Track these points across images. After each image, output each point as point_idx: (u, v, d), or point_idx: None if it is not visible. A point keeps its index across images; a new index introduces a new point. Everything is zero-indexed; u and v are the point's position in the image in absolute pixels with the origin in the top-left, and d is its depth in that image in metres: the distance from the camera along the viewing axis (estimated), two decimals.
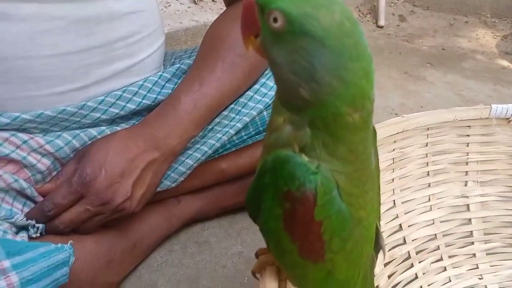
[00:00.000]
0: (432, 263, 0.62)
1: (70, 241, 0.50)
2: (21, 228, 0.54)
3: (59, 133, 0.60)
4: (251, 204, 0.32)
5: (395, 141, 0.58)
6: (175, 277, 0.68)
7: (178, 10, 1.34)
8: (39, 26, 0.54)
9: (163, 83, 0.69)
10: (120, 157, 0.56)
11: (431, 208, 0.63)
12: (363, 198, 0.31)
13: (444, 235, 0.63)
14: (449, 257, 0.64)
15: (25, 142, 0.56)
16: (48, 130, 0.59)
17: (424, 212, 0.63)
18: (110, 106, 0.63)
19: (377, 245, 0.36)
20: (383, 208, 0.60)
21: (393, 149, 0.59)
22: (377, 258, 0.37)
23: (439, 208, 0.63)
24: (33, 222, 0.54)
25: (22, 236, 0.52)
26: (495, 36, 1.82)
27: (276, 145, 0.30)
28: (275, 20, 0.27)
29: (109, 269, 0.61)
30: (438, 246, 0.63)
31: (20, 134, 0.56)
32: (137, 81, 0.66)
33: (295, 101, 0.28)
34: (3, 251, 0.44)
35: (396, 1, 2.06)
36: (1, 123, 0.55)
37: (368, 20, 1.89)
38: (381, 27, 1.83)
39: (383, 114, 1.18)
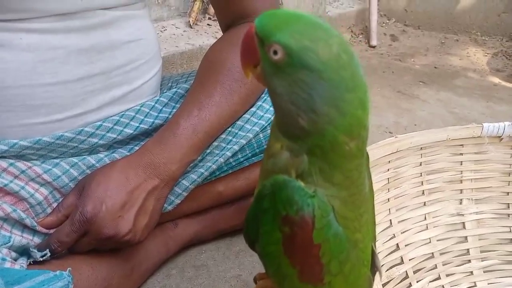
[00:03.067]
0: (430, 282, 0.63)
1: (68, 268, 0.50)
2: (20, 254, 0.54)
3: (57, 161, 0.60)
4: (250, 229, 0.32)
5: (389, 161, 0.59)
6: None
7: (174, 34, 1.37)
8: (41, 55, 0.55)
9: (160, 108, 0.70)
10: (120, 190, 0.56)
11: (427, 227, 0.64)
12: (359, 221, 0.32)
13: (441, 254, 0.64)
14: (447, 275, 0.64)
15: (23, 172, 0.57)
16: (46, 156, 0.60)
17: (420, 231, 0.63)
18: (107, 132, 0.63)
19: (373, 267, 0.36)
20: (380, 228, 0.60)
21: (388, 169, 0.60)
22: (374, 280, 0.37)
23: (435, 226, 0.64)
24: (33, 243, 0.55)
25: (21, 263, 0.52)
26: (486, 54, 1.85)
27: (274, 170, 0.31)
28: (275, 52, 0.28)
29: None
30: (436, 265, 0.63)
31: (18, 164, 0.57)
32: (134, 106, 0.67)
33: (294, 129, 0.30)
34: (2, 281, 0.44)
35: (388, 21, 2.11)
36: None
37: (360, 41, 1.92)
38: (374, 47, 1.87)
39: (377, 133, 1.19)
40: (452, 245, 0.64)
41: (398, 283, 0.60)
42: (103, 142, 0.64)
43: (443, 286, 0.63)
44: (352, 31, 1.95)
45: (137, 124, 0.66)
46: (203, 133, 0.63)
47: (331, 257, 0.30)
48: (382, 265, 0.59)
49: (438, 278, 0.63)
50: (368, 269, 0.35)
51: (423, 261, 0.63)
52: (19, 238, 0.54)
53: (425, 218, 0.64)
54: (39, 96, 0.56)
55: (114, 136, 0.64)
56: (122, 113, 0.65)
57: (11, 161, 0.56)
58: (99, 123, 0.62)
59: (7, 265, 0.48)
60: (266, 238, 0.31)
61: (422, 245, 0.63)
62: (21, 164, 0.57)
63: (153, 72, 0.70)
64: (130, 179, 0.58)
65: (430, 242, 0.64)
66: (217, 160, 0.68)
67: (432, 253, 0.63)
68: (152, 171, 0.59)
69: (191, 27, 1.43)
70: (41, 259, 0.54)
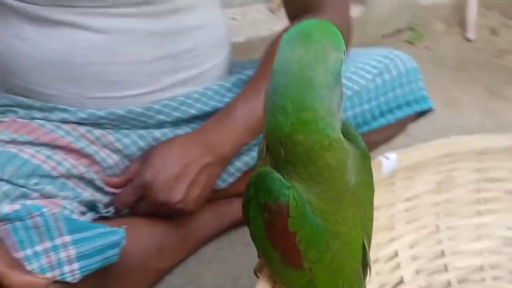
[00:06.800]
0: None
1: (124, 226, 0.57)
2: (90, 209, 0.62)
3: (127, 131, 0.68)
4: (244, 213, 0.35)
5: (441, 164, 0.57)
6: (219, 272, 0.73)
7: (255, 19, 1.40)
8: (117, 36, 0.62)
9: (224, 92, 0.74)
10: (176, 163, 0.62)
11: (479, 238, 0.60)
12: (340, 214, 0.33)
13: (491, 268, 0.60)
14: None
15: (98, 138, 0.65)
16: (118, 127, 0.68)
17: (471, 241, 0.60)
18: (174, 111, 0.69)
19: (364, 261, 0.37)
20: (424, 232, 0.59)
21: (439, 172, 0.58)
22: (366, 275, 0.37)
23: (488, 238, 0.60)
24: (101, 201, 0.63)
25: (88, 216, 0.60)
26: None
27: (259, 159, 0.35)
28: None
29: (159, 256, 0.67)
30: (484, 278, 0.60)
31: (95, 131, 0.65)
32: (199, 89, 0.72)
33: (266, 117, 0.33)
34: (67, 228, 0.52)
35: (488, 13, 1.92)
36: (79, 117, 0.64)
37: (455, 33, 1.79)
38: (470, 40, 1.72)
39: (458, 134, 1.12)
40: (506, 261, 0.60)
41: None
42: (169, 120, 0.70)
43: None
44: (446, 22, 1.81)
45: (201, 106, 0.71)
46: (258, 118, 0.66)
47: (308, 245, 0.32)
48: (423, 270, 0.58)
49: None
50: (359, 262, 0.36)
51: (470, 272, 0.60)
52: (88, 194, 0.62)
53: (478, 227, 0.60)
54: (114, 73, 0.63)
55: (179, 115, 0.70)
56: (188, 94, 0.71)
57: (89, 128, 0.65)
58: (166, 102, 0.68)
59: (74, 216, 0.56)
60: (253, 223, 0.34)
61: (471, 256, 0.60)
62: (97, 132, 0.66)
63: (220, 57, 0.74)
64: (187, 154, 0.63)
65: (480, 254, 0.60)
66: None
67: (481, 265, 0.60)
68: (208, 149, 0.64)
69: (273, 13, 1.45)
70: (105, 214, 0.62)
